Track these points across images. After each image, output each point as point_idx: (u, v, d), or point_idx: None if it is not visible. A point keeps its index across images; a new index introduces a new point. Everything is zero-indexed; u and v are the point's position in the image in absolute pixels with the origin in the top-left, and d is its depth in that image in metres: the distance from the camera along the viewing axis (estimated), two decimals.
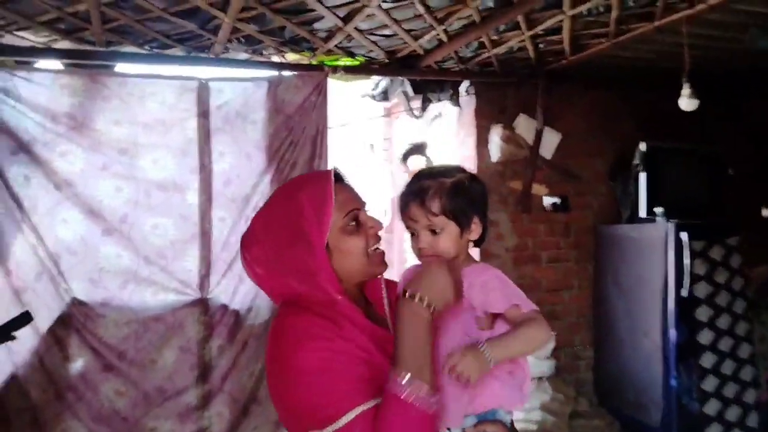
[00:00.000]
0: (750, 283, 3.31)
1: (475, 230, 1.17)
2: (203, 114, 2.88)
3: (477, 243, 1.20)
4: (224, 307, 2.90)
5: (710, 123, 3.62)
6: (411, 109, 3.39)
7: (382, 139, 4.66)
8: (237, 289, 2.91)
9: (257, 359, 2.90)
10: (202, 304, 2.86)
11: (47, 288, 2.65)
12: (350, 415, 0.96)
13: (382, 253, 1.17)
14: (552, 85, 3.41)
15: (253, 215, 1.17)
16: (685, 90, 2.43)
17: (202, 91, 2.87)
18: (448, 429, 1.04)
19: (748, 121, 3.88)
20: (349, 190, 1.16)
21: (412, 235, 1.17)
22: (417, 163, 3.97)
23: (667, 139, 3.48)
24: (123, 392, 2.69)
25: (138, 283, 2.76)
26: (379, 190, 4.63)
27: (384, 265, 1.17)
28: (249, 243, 1.13)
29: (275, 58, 3.01)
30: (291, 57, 3.01)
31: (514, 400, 1.09)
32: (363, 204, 1.16)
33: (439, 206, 1.11)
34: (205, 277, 2.87)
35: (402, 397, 0.95)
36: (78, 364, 2.67)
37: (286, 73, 2.98)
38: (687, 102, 2.42)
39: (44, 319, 2.63)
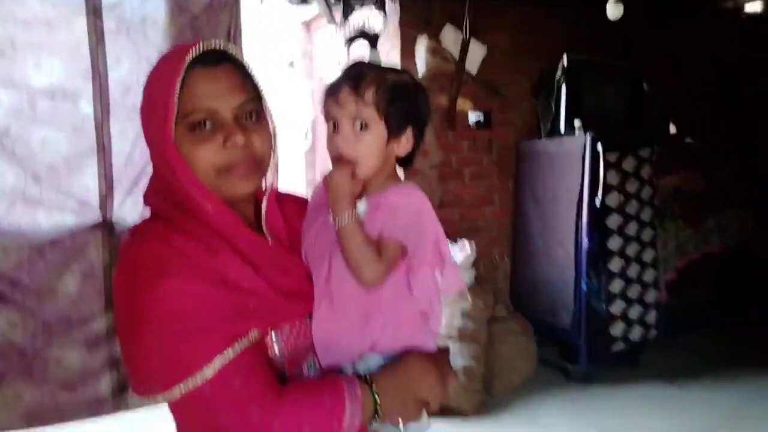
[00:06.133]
0: (657, 193, 3.51)
1: (405, 144, 1.02)
2: (94, 12, 2.50)
3: (404, 163, 1.07)
4: None
5: (633, 40, 3.67)
6: (332, 16, 3.15)
7: (300, 56, 4.36)
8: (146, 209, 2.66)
9: None
10: (105, 226, 2.61)
11: None
12: (211, 367, 0.78)
13: (242, 166, 0.88)
14: None
15: None
16: None
17: None
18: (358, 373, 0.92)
19: (670, 39, 3.97)
20: (225, 79, 0.90)
21: (334, 129, 1.00)
22: (362, 53, 3.37)
23: (590, 55, 3.50)
24: (17, 323, 2.44)
25: (28, 204, 2.45)
26: (298, 111, 4.39)
27: (245, 181, 0.89)
28: None
29: None
30: None
31: (426, 345, 0.99)
32: (234, 107, 0.88)
33: (374, 97, 0.96)
34: (106, 196, 2.59)
35: None
36: None
37: None
38: (613, 8, 2.39)
39: None
